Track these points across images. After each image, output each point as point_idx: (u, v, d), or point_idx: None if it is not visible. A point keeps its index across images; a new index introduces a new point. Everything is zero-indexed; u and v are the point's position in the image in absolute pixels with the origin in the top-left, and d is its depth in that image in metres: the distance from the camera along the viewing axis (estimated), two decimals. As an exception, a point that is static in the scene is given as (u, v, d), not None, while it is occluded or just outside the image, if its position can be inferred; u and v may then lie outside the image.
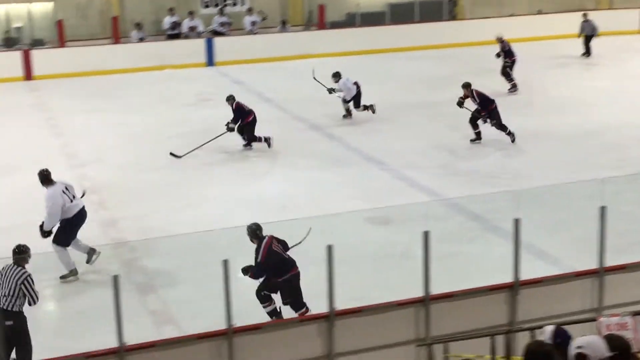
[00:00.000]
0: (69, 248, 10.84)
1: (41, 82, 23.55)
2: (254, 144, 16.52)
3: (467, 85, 16.49)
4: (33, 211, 11.82)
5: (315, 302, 8.18)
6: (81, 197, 11.24)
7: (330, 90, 18.46)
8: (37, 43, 25.92)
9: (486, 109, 16.15)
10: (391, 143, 16.46)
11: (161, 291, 9.28)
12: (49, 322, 10.29)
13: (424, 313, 8.26)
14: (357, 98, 18.33)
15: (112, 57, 24.92)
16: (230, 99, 16.49)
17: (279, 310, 9.34)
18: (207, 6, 28.47)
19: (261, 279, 9.23)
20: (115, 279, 7.16)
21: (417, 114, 17.16)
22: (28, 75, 24.00)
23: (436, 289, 8.20)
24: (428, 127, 17.62)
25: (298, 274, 9.36)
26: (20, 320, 8.44)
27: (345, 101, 18.43)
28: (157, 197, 13.92)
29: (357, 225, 12.49)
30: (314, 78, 18.74)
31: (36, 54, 24.34)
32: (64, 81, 23.40)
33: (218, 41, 26.06)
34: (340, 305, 7.88)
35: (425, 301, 8.24)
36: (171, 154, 15.93)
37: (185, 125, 18.41)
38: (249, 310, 8.68)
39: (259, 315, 8.97)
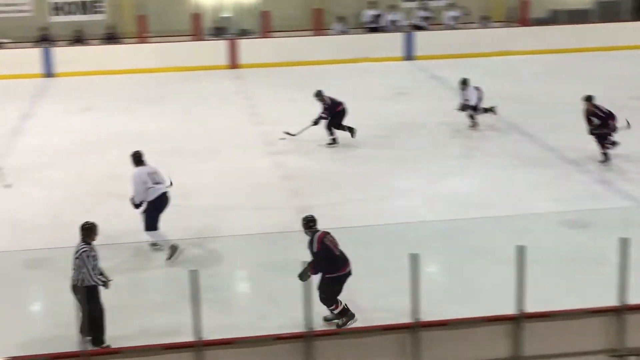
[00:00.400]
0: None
1: (245, 70, 24.44)
2: (337, 133, 16.55)
3: (587, 99, 15.19)
4: (236, 194, 12.32)
5: (502, 302, 8.03)
6: (169, 185, 11.67)
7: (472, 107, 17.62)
8: (244, 33, 26.93)
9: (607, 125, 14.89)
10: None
11: (349, 280, 9.41)
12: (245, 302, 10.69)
13: (618, 323, 7.93)
14: (479, 103, 17.55)
15: (313, 49, 25.49)
16: (319, 94, 16.58)
17: (346, 307, 9.37)
18: (408, 0, 28.52)
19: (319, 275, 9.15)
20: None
21: (622, 116, 16.40)
22: (233, 63, 24.98)
23: (634, 299, 7.85)
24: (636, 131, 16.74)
25: (348, 274, 9.34)
26: (83, 294, 8.54)
27: (471, 108, 17.53)
28: (350, 187, 14.13)
29: (551, 228, 12.17)
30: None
31: (242, 44, 25.29)
32: (266, 71, 24.19)
33: (418, 35, 26.06)
34: (529, 308, 7.70)
35: (621, 311, 7.90)
36: (285, 132, 16.64)
37: (379, 118, 18.56)
38: (434, 305, 8.65)
39: (448, 310, 8.93)
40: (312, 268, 9.07)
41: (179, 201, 12.36)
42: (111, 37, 25.81)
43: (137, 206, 11.60)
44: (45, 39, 25.19)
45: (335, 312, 9.37)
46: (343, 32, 26.71)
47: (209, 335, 7.31)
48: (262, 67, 24.47)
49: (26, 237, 12.24)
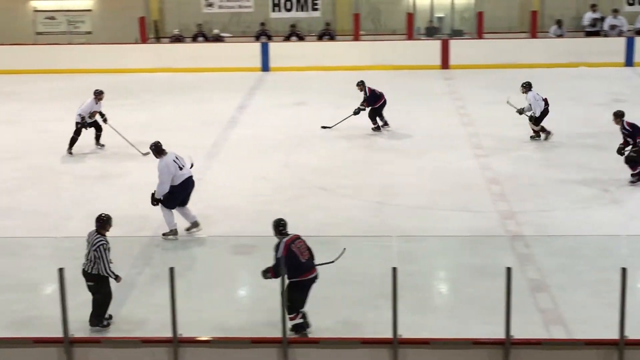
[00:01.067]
0: (175, 212, 11.92)
1: (456, 71, 24.23)
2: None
3: (618, 115, 14.23)
4: (440, 194, 12.15)
5: None
6: (190, 167, 12.02)
7: (520, 111, 16.71)
8: (457, 33, 26.73)
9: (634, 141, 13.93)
10: None
11: (554, 290, 9.10)
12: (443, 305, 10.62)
13: None
14: (543, 116, 16.51)
15: (528, 51, 24.88)
16: (360, 84, 17.47)
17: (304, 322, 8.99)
18: (631, 4, 27.24)
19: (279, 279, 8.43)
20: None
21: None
22: (445, 64, 24.84)
23: None
24: None
25: (312, 279, 8.97)
26: (98, 282, 9.19)
27: (534, 117, 16.53)
28: (557, 195, 13.68)
29: None
30: (508, 102, 17.15)
31: (454, 44, 25.09)
32: (477, 72, 23.86)
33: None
34: None
35: None
36: (323, 127, 17.50)
37: (592, 124, 17.84)
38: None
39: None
40: (272, 271, 8.93)
41: (382, 198, 12.43)
42: (326, 34, 26.39)
43: (156, 202, 11.88)
44: (263, 34, 26.18)
45: (292, 323, 8.83)
46: (560, 35, 25.90)
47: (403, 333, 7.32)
48: (474, 68, 24.17)
49: (234, 224, 12.73)
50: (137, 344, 8.09)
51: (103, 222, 9.47)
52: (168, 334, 7.81)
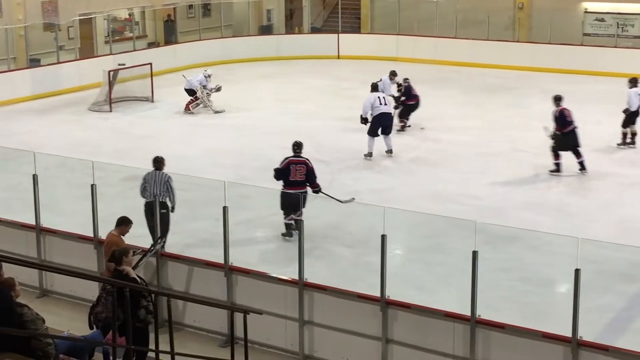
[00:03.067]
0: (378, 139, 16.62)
1: None
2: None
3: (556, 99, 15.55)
4: None
5: None
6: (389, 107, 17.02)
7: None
8: None
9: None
10: None
11: None
12: None
13: None
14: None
15: None
16: (404, 80, 18.67)
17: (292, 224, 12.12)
18: None
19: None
20: None
21: None
22: None
23: None
24: None
25: (295, 194, 11.76)
26: (167, 210, 11.51)
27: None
28: None
29: None
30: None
31: None
32: None
33: None
34: None
35: None
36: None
37: None
38: None
39: None
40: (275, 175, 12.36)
41: None
42: None
43: (363, 121, 16.70)
44: None
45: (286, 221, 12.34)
46: None
47: None
48: None
49: None
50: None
51: (160, 163, 11.75)
52: None
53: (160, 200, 11.31)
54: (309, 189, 12.30)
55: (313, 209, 11.95)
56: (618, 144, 17.25)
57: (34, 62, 23.60)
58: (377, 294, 9.03)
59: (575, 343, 8.12)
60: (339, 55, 28.64)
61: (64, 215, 12.81)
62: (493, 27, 27.14)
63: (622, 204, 13.99)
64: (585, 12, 27.77)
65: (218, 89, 21.11)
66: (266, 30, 31.05)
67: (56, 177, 14.49)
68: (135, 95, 22.18)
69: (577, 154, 15.30)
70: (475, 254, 8.41)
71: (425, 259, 11.86)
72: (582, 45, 26.52)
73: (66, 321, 9.78)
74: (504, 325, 8.55)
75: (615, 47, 25.91)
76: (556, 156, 15.33)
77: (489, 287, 9.45)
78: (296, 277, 9.53)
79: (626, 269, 11.15)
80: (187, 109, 20.79)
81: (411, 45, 27.89)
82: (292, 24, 32.22)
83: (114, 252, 8.63)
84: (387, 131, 16.66)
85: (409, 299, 9.12)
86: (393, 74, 19.17)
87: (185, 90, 21.01)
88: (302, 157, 12.36)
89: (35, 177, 10.99)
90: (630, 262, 11.02)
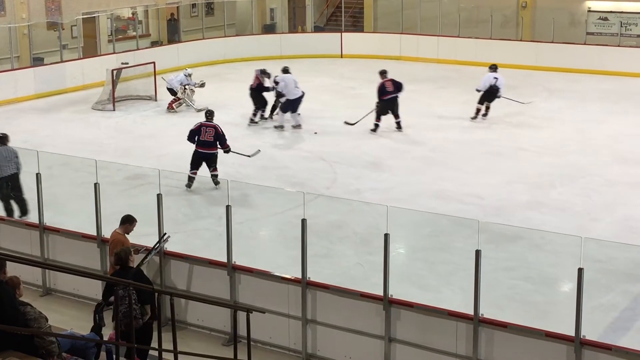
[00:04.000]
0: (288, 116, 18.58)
1: None
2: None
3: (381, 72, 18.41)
4: None
5: None
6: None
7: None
8: None
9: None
10: None
11: None
12: None
13: None
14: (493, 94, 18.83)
15: None
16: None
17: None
18: None
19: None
20: None
21: None
22: None
23: None
24: None
25: (203, 153, 14.29)
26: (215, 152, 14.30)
27: None
28: None
29: None
30: None
31: None
32: None
33: None
34: None
35: None
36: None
37: None
38: None
39: None
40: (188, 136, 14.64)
41: None
42: None
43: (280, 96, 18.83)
44: None
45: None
46: None
47: None
48: None
49: None
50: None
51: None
52: None
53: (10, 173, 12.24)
54: (220, 151, 14.45)
55: (316, 208, 11.94)
56: (472, 118, 19.42)
57: (38, 61, 23.62)
58: (380, 292, 9.03)
59: (578, 342, 8.11)
60: (342, 54, 28.64)
61: (68, 214, 12.81)
62: (496, 26, 27.13)
63: (626, 204, 13.98)
64: (589, 11, 27.70)
65: (202, 85, 21.36)
66: (269, 29, 31.05)
67: (59, 176, 14.50)
68: (139, 94, 22.19)
69: (396, 115, 18.41)
70: (478, 252, 8.40)
71: (429, 258, 11.86)
72: (585, 44, 26.46)
73: (69, 319, 9.79)
74: (507, 324, 8.54)
75: (619, 46, 25.84)
76: (378, 119, 18.27)
77: (492, 286, 9.46)
78: (299, 275, 9.55)
79: (630, 268, 11.14)
80: (170, 107, 20.89)
81: (414, 44, 27.87)
82: (295, 23, 32.23)
83: (118, 254, 8.65)
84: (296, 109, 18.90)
85: (412, 298, 9.11)
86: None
87: (168, 89, 21.18)
88: (213, 123, 14.63)
89: (38, 176, 10.99)
90: (634, 261, 11.02)
